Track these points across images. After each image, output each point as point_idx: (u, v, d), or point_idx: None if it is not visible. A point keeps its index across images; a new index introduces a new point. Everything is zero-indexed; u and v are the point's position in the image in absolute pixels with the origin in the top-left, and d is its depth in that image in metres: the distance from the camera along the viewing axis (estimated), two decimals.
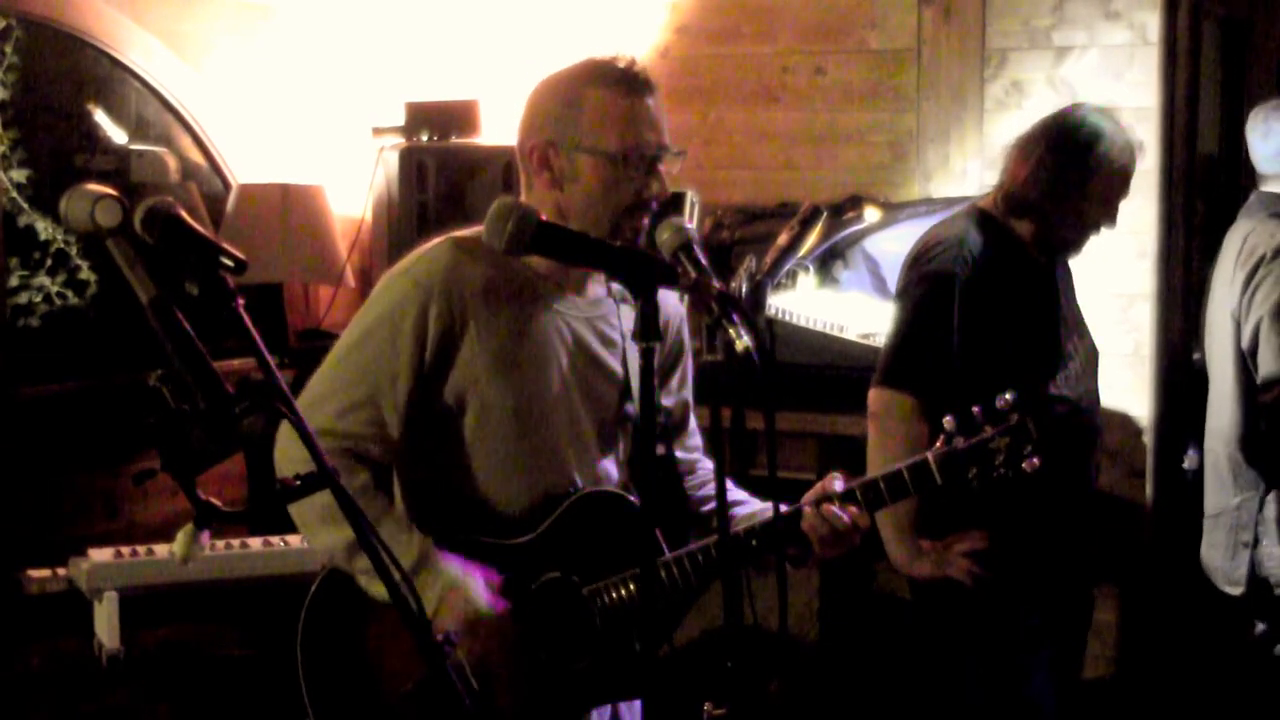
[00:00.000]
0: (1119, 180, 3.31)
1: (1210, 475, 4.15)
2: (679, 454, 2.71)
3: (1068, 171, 3.26)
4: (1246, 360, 4.01)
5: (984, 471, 2.53)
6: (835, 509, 2.47)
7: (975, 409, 2.54)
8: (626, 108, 2.41)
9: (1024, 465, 2.54)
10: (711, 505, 2.63)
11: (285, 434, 2.41)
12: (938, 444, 2.54)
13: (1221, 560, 4.10)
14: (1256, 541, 4.02)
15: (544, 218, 2.17)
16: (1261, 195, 4.15)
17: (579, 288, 2.54)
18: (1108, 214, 3.32)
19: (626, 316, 2.56)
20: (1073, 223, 3.30)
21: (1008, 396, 2.54)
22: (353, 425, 2.43)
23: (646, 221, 2.43)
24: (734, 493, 2.64)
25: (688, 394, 2.72)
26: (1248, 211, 4.17)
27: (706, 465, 2.73)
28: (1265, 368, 3.94)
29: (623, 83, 2.42)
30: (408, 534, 2.42)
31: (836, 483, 2.51)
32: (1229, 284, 4.06)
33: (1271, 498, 3.98)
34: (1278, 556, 3.99)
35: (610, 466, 2.59)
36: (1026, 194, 3.29)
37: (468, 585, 2.40)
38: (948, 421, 2.54)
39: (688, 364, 2.72)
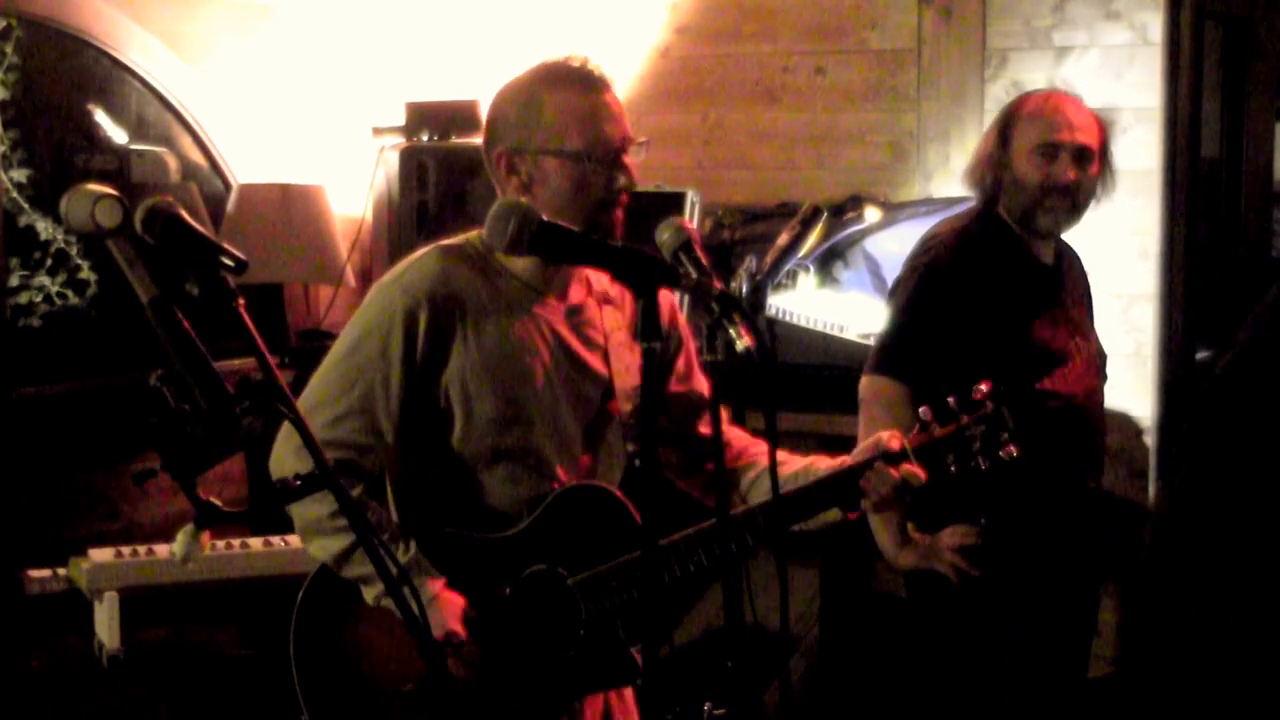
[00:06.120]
0: (1034, 129, 3.29)
1: None
2: (705, 434, 2.68)
3: (990, 133, 3.39)
4: None
5: (961, 459, 2.55)
6: (912, 467, 2.49)
7: (950, 398, 2.56)
8: (585, 106, 2.46)
9: (1000, 454, 2.55)
10: (750, 472, 2.66)
11: (282, 440, 2.43)
12: (914, 431, 2.56)
13: None
14: None
15: (546, 218, 2.18)
16: None
17: (561, 292, 2.56)
18: (1035, 167, 3.27)
19: (609, 317, 2.60)
20: (1016, 186, 3.31)
21: (982, 386, 2.56)
22: (345, 434, 2.45)
23: (620, 215, 2.47)
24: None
25: (695, 382, 2.72)
26: None
27: (735, 432, 2.72)
28: None
29: (578, 82, 2.47)
30: (397, 547, 2.44)
31: (893, 442, 2.51)
32: None
33: None
34: None
35: (594, 465, 2.60)
36: (972, 172, 3.38)
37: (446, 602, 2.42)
38: (923, 411, 2.56)
39: (690, 351, 2.72)
